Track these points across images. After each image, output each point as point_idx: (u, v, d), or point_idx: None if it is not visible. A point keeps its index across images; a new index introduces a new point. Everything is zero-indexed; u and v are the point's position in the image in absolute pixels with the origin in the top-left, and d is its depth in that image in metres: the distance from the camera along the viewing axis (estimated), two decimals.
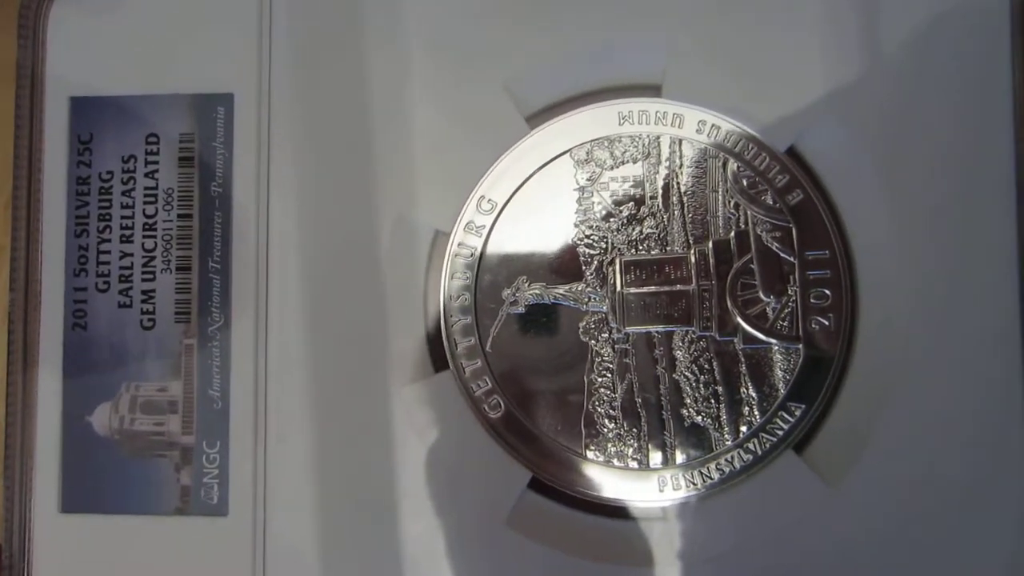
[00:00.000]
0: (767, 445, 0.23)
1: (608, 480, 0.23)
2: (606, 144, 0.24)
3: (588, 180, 0.24)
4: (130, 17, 0.25)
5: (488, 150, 0.24)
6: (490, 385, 0.24)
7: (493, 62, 0.24)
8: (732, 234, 0.24)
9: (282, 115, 0.24)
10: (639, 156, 0.24)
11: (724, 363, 0.23)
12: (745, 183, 0.24)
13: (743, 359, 0.23)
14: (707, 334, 0.23)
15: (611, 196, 0.24)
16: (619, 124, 0.24)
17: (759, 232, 0.24)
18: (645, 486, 0.23)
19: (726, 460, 0.23)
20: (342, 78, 0.24)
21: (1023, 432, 0.23)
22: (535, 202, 0.24)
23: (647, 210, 0.24)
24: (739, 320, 0.23)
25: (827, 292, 0.23)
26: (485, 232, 0.24)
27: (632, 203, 0.24)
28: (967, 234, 0.23)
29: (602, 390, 0.24)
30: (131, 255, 0.24)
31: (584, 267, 0.24)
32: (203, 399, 0.24)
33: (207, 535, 0.24)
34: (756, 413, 0.23)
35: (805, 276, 0.23)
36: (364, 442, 0.24)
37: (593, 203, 0.24)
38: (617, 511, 0.23)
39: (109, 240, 0.24)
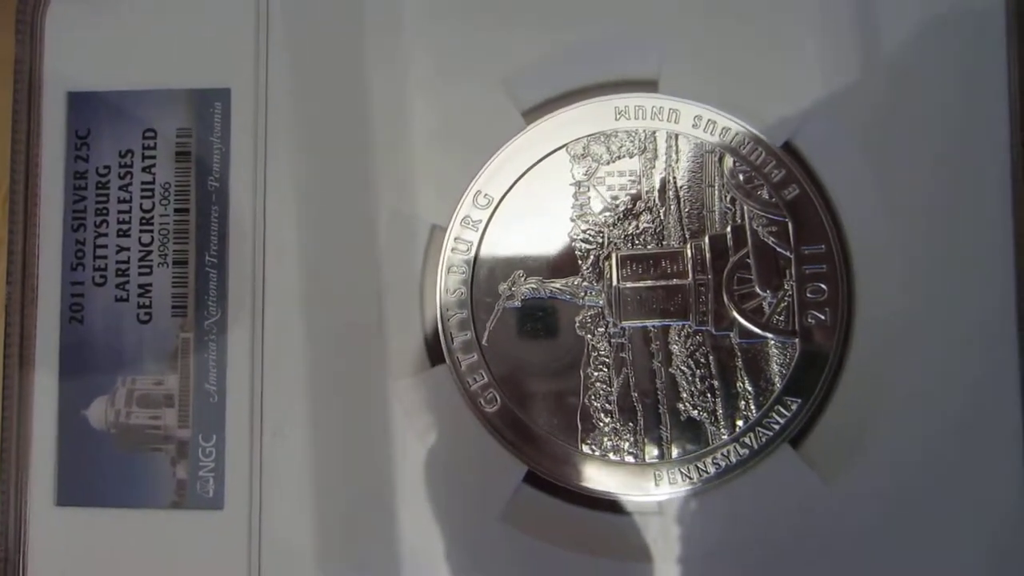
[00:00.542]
0: (763, 439, 0.23)
1: (604, 474, 0.23)
2: (602, 139, 0.24)
3: (584, 175, 0.24)
4: (127, 13, 0.25)
5: (485, 145, 0.24)
6: (486, 379, 0.24)
7: (490, 58, 0.24)
8: (728, 229, 0.24)
9: (279, 110, 0.24)
10: (635, 151, 0.24)
11: (720, 357, 0.23)
12: (741, 178, 0.24)
13: (739, 353, 0.23)
14: (703, 328, 0.23)
15: (607, 191, 0.24)
16: (615, 119, 0.24)
17: (755, 227, 0.24)
18: (641, 480, 0.23)
19: (722, 454, 0.23)
20: (339, 73, 0.24)
21: (1019, 426, 0.23)
22: (532, 197, 0.24)
23: (643, 205, 0.24)
24: (735, 315, 0.23)
25: (823, 287, 0.23)
26: (482, 227, 0.24)
27: (628, 198, 0.24)
28: (963, 229, 0.23)
29: (598, 384, 0.24)
30: (128, 249, 0.24)
31: (580, 262, 0.24)
32: (199, 393, 0.24)
33: (203, 529, 0.24)
34: (752, 407, 0.23)
35: (801, 271, 0.23)
36: (360, 436, 0.24)
37: (589, 198, 0.24)
38: (613, 505, 0.23)
39: (106, 234, 0.24)
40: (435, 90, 0.24)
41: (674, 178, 0.24)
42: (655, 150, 0.24)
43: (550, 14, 0.24)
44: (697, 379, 0.23)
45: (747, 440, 0.23)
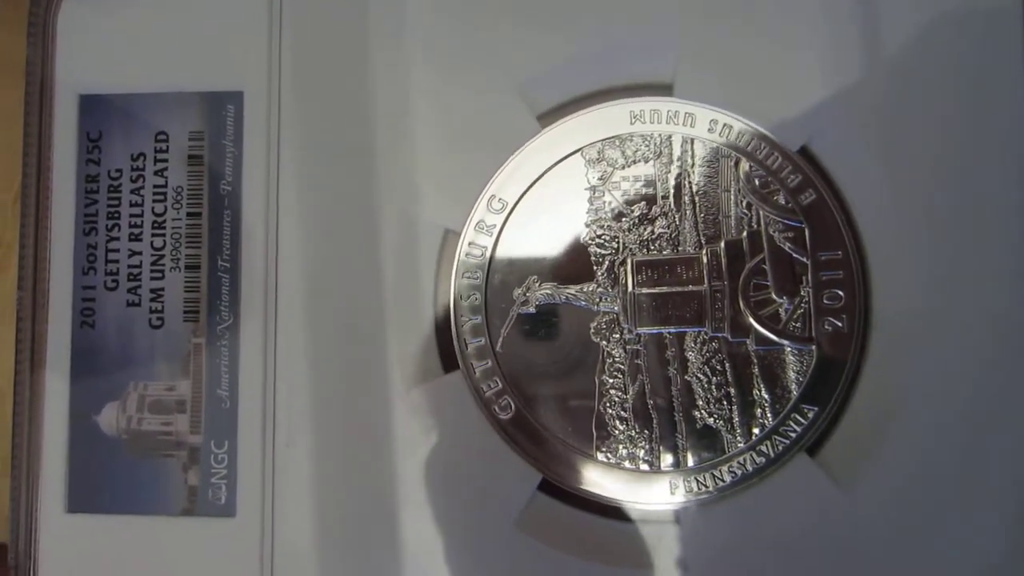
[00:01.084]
0: (780, 448, 0.23)
1: (619, 482, 0.23)
2: (618, 143, 0.24)
3: (599, 179, 0.24)
4: (140, 15, 0.24)
5: (499, 149, 0.24)
6: (500, 386, 0.23)
7: (504, 61, 0.24)
8: (744, 234, 0.23)
9: (292, 113, 0.24)
10: (651, 155, 0.24)
11: (736, 365, 0.23)
12: (757, 183, 0.24)
13: (756, 361, 0.23)
14: (719, 335, 0.23)
15: (623, 196, 0.24)
16: (631, 123, 0.24)
17: (771, 232, 0.23)
18: (656, 488, 0.23)
19: (738, 463, 0.23)
20: (352, 76, 0.24)
21: None
22: (546, 201, 0.24)
23: (659, 210, 0.24)
24: (752, 321, 0.23)
25: (840, 293, 0.23)
26: (496, 231, 0.24)
27: (644, 203, 0.24)
28: (981, 235, 0.23)
29: (613, 391, 0.23)
30: (140, 253, 0.24)
31: (595, 267, 0.24)
32: (211, 399, 0.24)
33: (214, 536, 0.23)
34: (769, 415, 0.23)
35: (818, 277, 0.23)
36: (372, 442, 0.23)
37: (605, 202, 0.24)
38: (628, 513, 0.23)
39: (118, 238, 0.24)
40: (449, 94, 0.24)
41: (690, 183, 0.24)
42: (670, 154, 0.24)
43: (565, 18, 0.24)
44: (713, 386, 0.23)
45: (763, 448, 0.23)
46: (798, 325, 0.23)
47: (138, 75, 0.24)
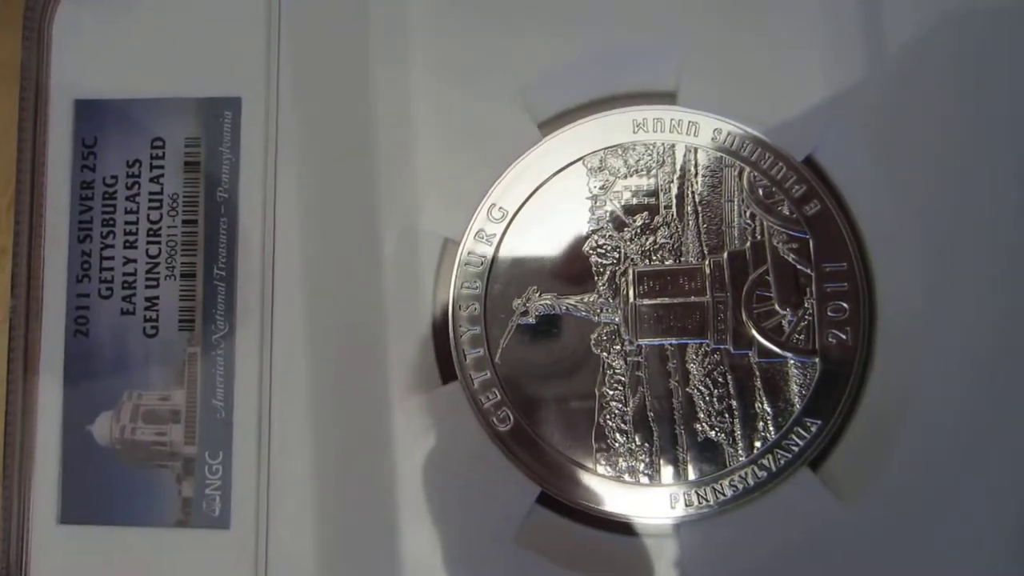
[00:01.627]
0: (782, 461, 0.23)
1: (619, 495, 0.23)
2: (620, 152, 0.24)
3: (601, 188, 0.24)
4: (136, 20, 0.24)
5: (499, 157, 0.24)
6: (499, 397, 0.23)
7: (505, 68, 0.24)
8: (748, 245, 0.23)
9: (290, 120, 0.24)
10: (653, 164, 0.24)
11: (739, 377, 0.23)
12: (761, 193, 0.23)
13: (758, 373, 0.23)
14: (721, 347, 0.23)
15: (624, 205, 0.24)
16: (633, 132, 0.24)
17: (775, 243, 0.23)
18: (656, 502, 0.23)
19: (740, 476, 0.23)
20: (350, 83, 0.24)
21: None
22: (547, 210, 0.24)
23: (661, 220, 0.23)
24: (754, 333, 0.23)
25: (844, 305, 0.23)
26: (496, 241, 0.23)
27: (646, 212, 0.23)
28: (989, 247, 0.23)
29: (613, 403, 0.23)
30: (135, 261, 0.24)
31: (596, 277, 0.23)
32: (206, 409, 0.23)
33: (208, 548, 0.23)
34: (771, 428, 0.23)
35: (822, 288, 0.23)
36: (369, 454, 0.23)
37: (606, 212, 0.24)
38: (628, 527, 0.23)
39: (112, 246, 0.24)
40: (449, 101, 0.24)
41: (693, 192, 0.24)
42: (673, 164, 0.24)
43: (567, 25, 0.24)
44: (715, 399, 0.23)
45: (765, 462, 0.23)
46: (801, 337, 0.23)
47: (134, 80, 0.24)
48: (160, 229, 0.24)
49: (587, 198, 0.24)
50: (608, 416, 0.23)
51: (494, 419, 0.23)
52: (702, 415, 0.23)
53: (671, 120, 0.24)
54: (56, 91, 0.24)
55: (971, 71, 0.23)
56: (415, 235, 0.24)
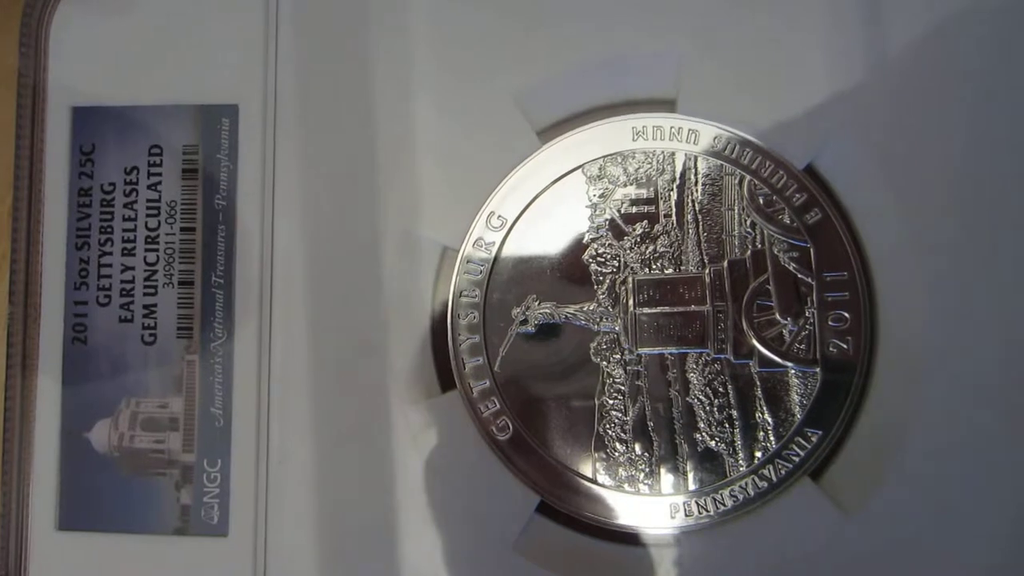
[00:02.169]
0: (783, 472, 0.22)
1: (618, 505, 0.23)
2: (619, 160, 0.24)
3: (600, 197, 0.23)
4: (134, 26, 0.24)
5: (498, 165, 0.23)
6: (498, 406, 0.23)
7: (505, 76, 0.24)
8: (748, 253, 0.23)
9: (287, 127, 0.24)
10: (653, 173, 0.23)
11: (739, 387, 0.23)
12: (762, 201, 0.23)
13: (759, 383, 0.23)
14: (722, 356, 0.23)
15: (624, 213, 0.23)
16: (633, 139, 0.23)
17: (776, 252, 0.23)
18: (656, 512, 0.23)
19: (740, 487, 0.22)
20: (348, 90, 0.24)
21: None
22: (546, 219, 0.23)
23: (661, 228, 0.23)
24: (755, 342, 0.23)
25: (846, 314, 0.23)
26: (495, 249, 0.23)
27: (645, 221, 0.23)
28: (990, 256, 0.23)
29: (613, 413, 0.23)
30: (133, 269, 0.24)
31: (596, 286, 0.23)
32: (204, 416, 0.23)
33: (207, 556, 0.23)
34: (772, 438, 0.23)
35: (823, 297, 0.23)
36: (368, 462, 0.23)
37: (605, 220, 0.23)
38: (627, 537, 0.23)
39: (111, 253, 0.24)
40: (448, 109, 0.24)
41: (692, 201, 0.23)
42: (673, 171, 0.23)
43: (566, 33, 0.24)
44: (715, 409, 0.23)
45: (766, 472, 0.22)
46: (802, 347, 0.23)
47: (132, 87, 0.24)
48: (158, 236, 0.24)
49: (586, 206, 0.23)
50: (608, 425, 0.23)
51: (493, 428, 0.23)
52: (702, 425, 0.23)
53: (671, 128, 0.23)
54: (54, 98, 0.24)
55: (973, 79, 0.23)
56: (414, 243, 0.24)
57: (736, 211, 0.23)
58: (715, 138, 0.23)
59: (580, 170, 0.24)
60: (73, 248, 0.24)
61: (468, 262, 0.23)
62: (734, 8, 0.23)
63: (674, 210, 0.23)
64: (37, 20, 0.24)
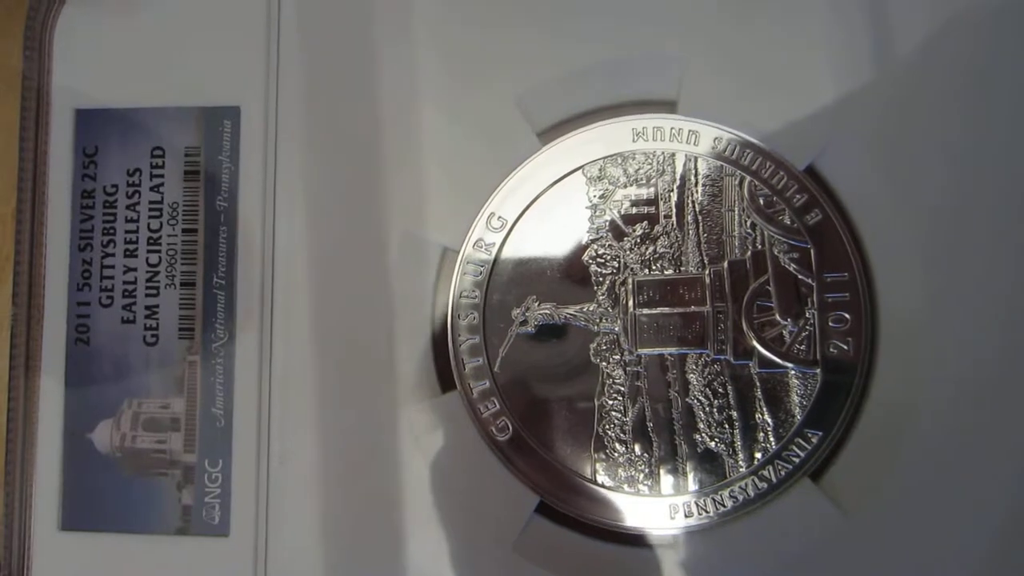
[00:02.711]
0: (783, 472, 0.22)
1: (618, 506, 0.23)
2: (619, 161, 0.24)
3: (601, 198, 0.24)
4: (137, 29, 0.24)
5: (499, 166, 0.24)
6: (498, 407, 0.23)
7: (505, 77, 0.24)
8: (748, 254, 0.23)
9: (289, 129, 0.24)
10: (653, 173, 0.24)
11: (739, 387, 0.23)
12: (762, 202, 0.23)
13: (759, 383, 0.23)
14: (722, 357, 0.23)
15: (624, 214, 0.23)
16: (633, 141, 0.23)
17: (776, 253, 0.23)
18: (656, 513, 0.23)
19: (740, 487, 0.22)
20: (350, 92, 0.24)
21: None
22: (546, 220, 0.23)
23: (661, 229, 0.23)
24: (755, 343, 0.23)
25: (846, 315, 0.23)
26: (495, 250, 0.23)
27: (645, 222, 0.23)
28: (991, 256, 0.23)
29: (613, 413, 0.23)
30: (135, 270, 0.24)
31: (596, 287, 0.23)
32: (206, 417, 0.23)
33: (208, 555, 0.23)
34: (772, 439, 0.23)
35: (823, 298, 0.23)
36: (369, 463, 0.23)
37: (606, 221, 0.23)
38: (627, 538, 0.23)
39: (113, 254, 0.24)
40: (448, 110, 0.24)
41: (693, 202, 0.23)
42: (673, 172, 0.23)
43: (566, 34, 0.24)
44: (715, 409, 0.23)
45: (766, 473, 0.22)
46: (802, 348, 0.23)
47: (135, 90, 0.24)
48: (160, 238, 0.24)
49: (586, 207, 0.23)
50: (608, 426, 0.23)
51: (493, 428, 0.23)
52: (702, 425, 0.23)
53: (671, 129, 0.23)
54: (57, 100, 0.24)
55: (973, 80, 0.23)
56: (414, 244, 0.24)
57: (736, 212, 0.23)
58: (715, 139, 0.23)
59: (580, 171, 0.24)
60: (76, 249, 0.24)
61: (468, 263, 0.23)
62: (734, 10, 0.24)
63: (674, 211, 0.23)
64: (41, 23, 0.24)
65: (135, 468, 0.23)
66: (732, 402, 0.23)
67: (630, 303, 0.23)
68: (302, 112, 0.24)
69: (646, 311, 0.23)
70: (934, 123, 0.23)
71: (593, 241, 0.23)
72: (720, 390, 0.23)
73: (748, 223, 0.23)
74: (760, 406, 0.23)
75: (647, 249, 0.23)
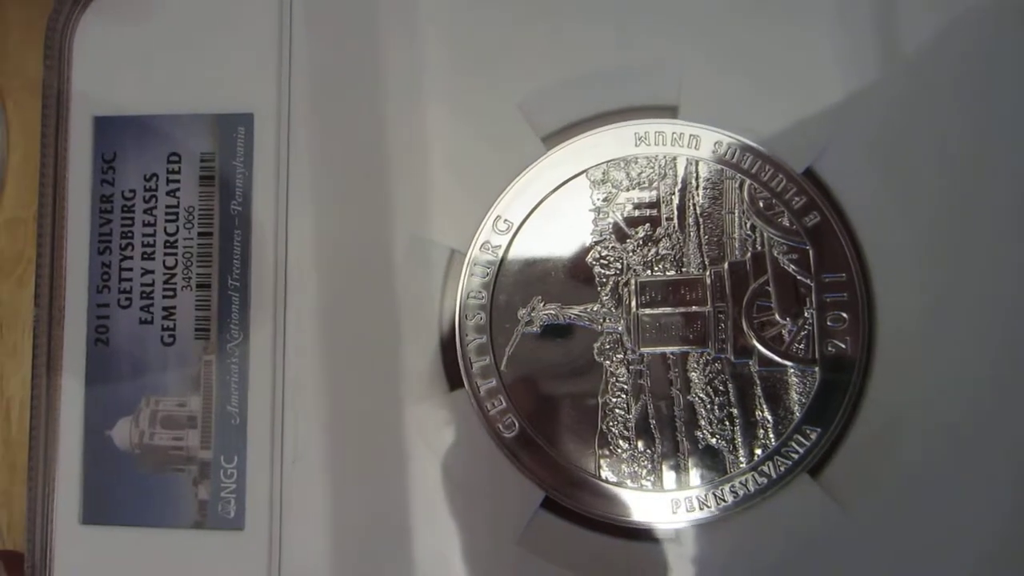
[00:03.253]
0: (782, 468, 0.23)
1: (621, 501, 0.23)
2: (622, 165, 0.24)
3: (604, 201, 0.24)
4: (153, 38, 0.25)
5: (504, 170, 0.24)
6: (504, 404, 0.24)
7: (510, 83, 0.24)
8: (748, 256, 0.24)
9: (301, 135, 0.24)
10: (655, 177, 0.24)
11: (739, 385, 0.23)
12: (762, 204, 0.24)
13: (758, 381, 0.23)
14: (722, 356, 0.23)
15: (627, 217, 0.24)
16: (635, 145, 0.24)
17: (775, 254, 0.23)
18: (659, 507, 0.23)
19: (740, 483, 0.23)
20: (359, 98, 0.24)
21: None
22: (551, 222, 0.24)
23: (663, 231, 0.24)
24: (755, 342, 0.23)
25: (844, 315, 0.23)
26: (501, 252, 0.24)
27: (648, 224, 0.24)
28: (988, 257, 0.23)
29: (617, 411, 0.24)
30: (152, 272, 0.25)
31: (599, 288, 0.24)
32: (221, 415, 0.24)
33: (224, 549, 0.24)
34: (771, 436, 0.23)
35: (822, 298, 0.23)
36: (379, 458, 0.24)
37: (609, 224, 0.24)
38: (630, 532, 0.23)
39: (131, 257, 0.25)
40: (455, 115, 0.24)
41: (694, 204, 0.24)
42: (675, 176, 0.24)
43: (570, 40, 0.24)
44: (716, 407, 0.23)
45: (766, 469, 0.23)
46: (801, 346, 0.23)
47: (151, 97, 0.25)
48: (176, 241, 0.25)
49: (590, 210, 0.24)
50: (611, 423, 0.24)
51: (500, 426, 0.24)
52: (703, 422, 0.23)
53: (672, 133, 0.24)
54: (77, 108, 0.25)
55: (969, 82, 0.23)
56: (423, 246, 0.24)
57: (736, 214, 0.24)
58: (716, 143, 0.24)
59: (584, 175, 0.24)
60: (95, 252, 0.25)
61: (475, 265, 0.24)
62: (735, 17, 0.24)
63: (676, 213, 0.24)
64: (60, 33, 0.25)
65: (153, 464, 0.24)
66: (733, 399, 0.23)
67: (633, 303, 0.24)
68: (313, 119, 0.24)
69: (648, 311, 0.24)
70: (931, 126, 0.23)
71: (597, 243, 0.24)
72: (721, 388, 0.23)
73: (748, 225, 0.24)
74: (760, 403, 0.23)
75: (649, 251, 0.24)
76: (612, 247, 0.24)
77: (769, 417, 0.23)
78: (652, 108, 0.24)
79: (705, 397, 0.23)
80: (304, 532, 0.24)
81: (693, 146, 0.24)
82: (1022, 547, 0.22)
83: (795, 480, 0.23)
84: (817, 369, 0.23)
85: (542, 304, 0.24)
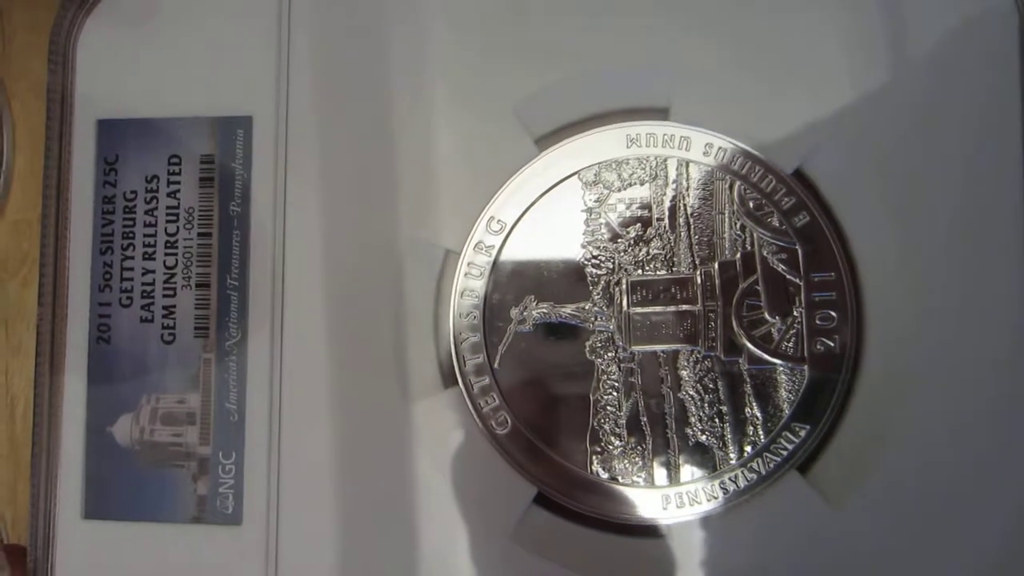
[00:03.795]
0: (771, 465, 0.23)
1: (613, 497, 0.24)
2: (614, 166, 0.24)
3: (596, 201, 0.24)
4: (155, 43, 0.25)
5: (498, 172, 0.24)
6: (497, 402, 0.24)
7: (504, 86, 0.25)
8: (738, 255, 0.24)
9: (299, 137, 0.25)
10: (646, 178, 0.24)
11: (729, 383, 0.24)
12: (752, 205, 0.24)
13: (748, 379, 0.24)
14: (712, 354, 0.24)
15: (618, 217, 0.24)
16: (627, 147, 0.24)
17: (765, 254, 0.24)
18: (649, 503, 0.23)
19: (730, 479, 0.23)
20: (357, 101, 0.25)
21: None
22: (544, 223, 0.24)
23: (654, 231, 0.24)
24: (744, 341, 0.24)
25: (833, 314, 0.23)
26: (494, 252, 0.24)
27: (639, 224, 0.24)
28: (975, 256, 0.23)
29: (608, 408, 0.24)
30: (153, 272, 0.25)
31: (591, 287, 0.24)
32: (220, 412, 0.24)
33: (222, 543, 0.24)
34: (760, 433, 0.23)
35: (811, 298, 0.24)
36: (375, 455, 0.24)
37: (601, 224, 0.24)
38: (622, 528, 0.24)
39: (132, 257, 0.25)
40: (451, 117, 0.25)
41: (685, 205, 0.24)
42: (666, 177, 0.24)
43: (564, 43, 0.25)
44: (706, 404, 0.24)
45: (755, 466, 0.23)
46: (790, 345, 0.24)
47: (153, 101, 0.25)
48: (177, 241, 0.25)
49: (582, 211, 0.24)
50: (603, 420, 0.24)
51: (493, 423, 0.24)
52: (693, 419, 0.24)
53: (664, 135, 0.24)
54: (80, 111, 0.25)
55: (959, 83, 0.24)
56: (418, 246, 0.25)
57: (727, 215, 0.24)
58: (706, 145, 0.24)
59: (576, 176, 0.24)
60: (98, 252, 0.25)
61: (469, 264, 0.24)
62: (725, 19, 0.24)
63: (667, 214, 0.24)
64: (64, 38, 0.25)
65: (153, 460, 0.25)
66: (722, 397, 0.24)
67: (624, 302, 0.24)
68: (311, 122, 0.25)
69: (640, 310, 0.24)
70: (919, 127, 0.24)
71: (589, 243, 0.24)
72: (711, 385, 0.24)
73: (738, 225, 0.24)
74: (749, 401, 0.23)
75: (641, 250, 0.24)
76: (604, 247, 0.24)
77: (758, 414, 0.23)
78: (643, 110, 0.25)
79: (695, 395, 0.24)
80: (300, 527, 0.24)
81: (684, 147, 0.24)
82: (1010, 542, 0.23)
83: (784, 477, 0.23)
84: (806, 367, 0.23)
85: (535, 303, 0.24)
